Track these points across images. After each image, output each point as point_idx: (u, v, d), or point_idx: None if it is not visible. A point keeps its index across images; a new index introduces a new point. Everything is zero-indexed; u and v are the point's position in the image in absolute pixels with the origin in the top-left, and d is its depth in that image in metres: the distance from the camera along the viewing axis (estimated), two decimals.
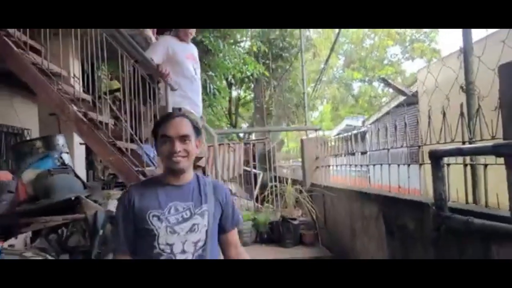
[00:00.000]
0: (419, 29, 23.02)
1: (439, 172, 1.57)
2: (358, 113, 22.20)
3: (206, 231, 1.70)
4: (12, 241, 2.55)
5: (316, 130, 4.43)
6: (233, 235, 1.83)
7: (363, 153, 3.39)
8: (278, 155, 6.91)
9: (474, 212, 1.48)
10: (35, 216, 2.50)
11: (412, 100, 8.45)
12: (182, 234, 1.66)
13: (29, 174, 2.68)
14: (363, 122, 12.58)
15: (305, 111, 6.29)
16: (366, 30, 23.48)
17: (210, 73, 6.64)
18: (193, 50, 3.68)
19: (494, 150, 1.27)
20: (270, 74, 8.44)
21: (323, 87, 26.76)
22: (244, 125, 12.07)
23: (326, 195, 3.56)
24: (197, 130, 1.78)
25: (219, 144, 5.18)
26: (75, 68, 4.03)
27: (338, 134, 12.68)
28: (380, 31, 23.11)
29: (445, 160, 1.60)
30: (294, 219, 3.54)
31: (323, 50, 24.85)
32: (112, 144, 3.08)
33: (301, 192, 3.86)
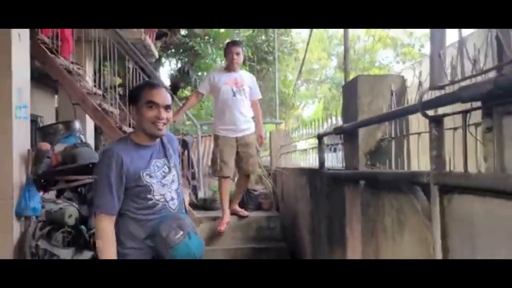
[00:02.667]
0: (411, 34, 23.75)
1: (321, 147, 2.61)
2: None
3: (178, 178, 2.00)
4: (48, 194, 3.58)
5: (278, 123, 5.52)
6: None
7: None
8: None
9: (340, 171, 2.50)
10: (65, 175, 3.53)
11: None
12: (168, 185, 1.92)
13: (59, 147, 3.69)
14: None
15: (276, 109, 7.35)
16: (359, 32, 24.20)
17: (200, 73, 7.68)
18: (237, 76, 4.15)
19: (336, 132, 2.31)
20: (255, 75, 9.46)
21: (315, 86, 27.73)
22: None
23: (283, 174, 4.62)
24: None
25: (203, 136, 6.16)
26: (89, 67, 5.03)
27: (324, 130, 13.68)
28: (373, 33, 23.75)
29: (325, 139, 2.65)
30: (255, 190, 4.60)
31: (315, 51, 25.78)
32: (118, 128, 4.09)
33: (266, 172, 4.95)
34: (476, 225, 1.06)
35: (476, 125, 1.16)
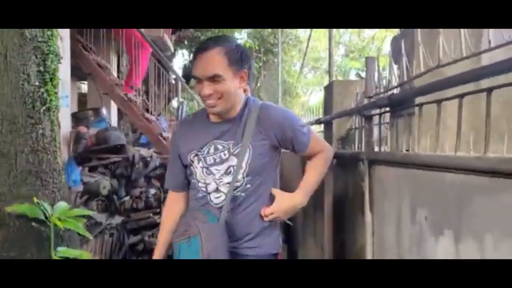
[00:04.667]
0: None
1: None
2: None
3: (244, 172, 1.64)
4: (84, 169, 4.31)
5: None
6: (308, 154, 1.82)
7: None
8: None
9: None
10: (98, 154, 4.25)
11: None
12: (217, 176, 1.66)
13: (93, 130, 4.41)
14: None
15: (279, 99, 8.03)
16: None
17: None
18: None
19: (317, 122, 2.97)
20: (261, 66, 10.16)
21: (321, 74, 28.23)
22: None
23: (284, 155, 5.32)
24: (237, 62, 1.58)
25: None
26: (114, 61, 5.73)
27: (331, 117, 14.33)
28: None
29: (313, 127, 3.33)
30: None
31: (323, 39, 26.13)
32: (142, 115, 4.78)
33: None
34: (385, 182, 1.74)
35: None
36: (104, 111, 5.18)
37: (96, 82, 5.08)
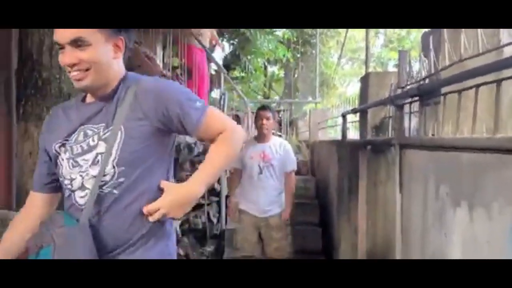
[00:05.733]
0: None
1: (344, 123, 3.49)
2: None
3: (114, 161, 1.29)
4: None
5: (316, 103, 6.39)
6: (205, 135, 1.42)
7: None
8: (300, 122, 8.84)
9: (356, 140, 3.36)
10: None
11: None
12: (84, 168, 1.31)
13: None
14: None
15: (316, 90, 8.19)
16: None
17: (249, 57, 8.64)
18: (267, 148, 3.61)
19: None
20: (299, 58, 10.35)
21: (360, 65, 27.97)
22: (277, 98, 14.01)
23: (317, 145, 5.53)
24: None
25: (252, 112, 7.13)
26: (160, 53, 6.06)
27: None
28: None
29: (351, 118, 3.52)
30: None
31: (361, 31, 25.85)
32: None
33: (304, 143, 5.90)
34: (413, 164, 1.94)
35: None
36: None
37: (145, 73, 5.39)
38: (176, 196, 1.36)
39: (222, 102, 4.72)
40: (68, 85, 2.37)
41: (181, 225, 4.40)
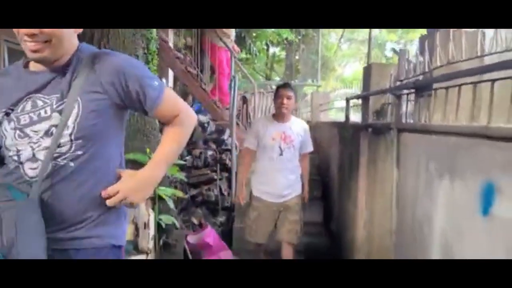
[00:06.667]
0: None
1: (348, 107, 3.90)
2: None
3: (71, 135, 1.26)
4: None
5: (317, 86, 6.78)
6: (161, 115, 1.43)
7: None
8: (300, 103, 9.23)
9: (358, 123, 3.77)
10: None
11: None
12: (35, 139, 1.27)
13: None
14: None
15: (317, 72, 8.57)
16: None
17: (254, 39, 8.98)
18: (287, 128, 3.47)
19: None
20: (300, 39, 10.68)
21: (358, 46, 28.15)
22: (277, 78, 14.37)
23: (320, 126, 5.94)
24: None
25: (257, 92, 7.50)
26: (171, 38, 6.40)
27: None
28: None
29: (352, 102, 3.92)
30: None
31: None
32: (199, 86, 5.46)
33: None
34: (408, 145, 2.35)
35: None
36: (164, 81, 5.86)
37: (159, 57, 5.76)
38: (137, 181, 1.38)
39: (232, 85, 5.07)
40: None
41: (195, 198, 4.84)
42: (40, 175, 1.26)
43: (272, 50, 13.11)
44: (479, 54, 1.65)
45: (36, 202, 1.24)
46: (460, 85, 1.75)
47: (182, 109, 1.46)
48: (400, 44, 28.66)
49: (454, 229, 1.75)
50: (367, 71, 3.42)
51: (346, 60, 28.07)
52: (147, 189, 1.42)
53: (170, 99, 1.44)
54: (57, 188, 1.28)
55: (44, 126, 1.28)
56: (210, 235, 3.25)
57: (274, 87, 10.87)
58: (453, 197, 1.77)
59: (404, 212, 2.38)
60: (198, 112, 5.88)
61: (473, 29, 1.95)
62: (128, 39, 2.73)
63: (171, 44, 6.32)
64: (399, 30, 26.41)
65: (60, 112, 1.28)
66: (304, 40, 11.12)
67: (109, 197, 1.34)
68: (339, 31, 15.79)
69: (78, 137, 1.28)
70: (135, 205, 1.41)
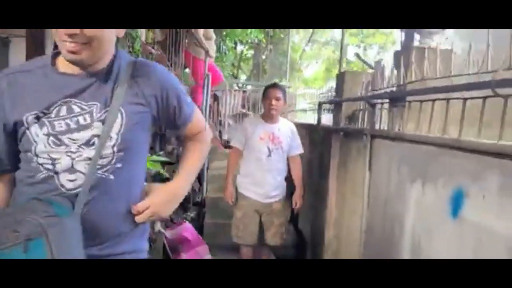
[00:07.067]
0: None
1: (320, 111, 4.08)
2: None
3: (114, 146, 1.22)
4: None
5: (287, 87, 6.96)
6: (188, 132, 1.46)
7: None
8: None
9: (330, 126, 3.95)
10: None
11: None
12: (73, 148, 1.19)
13: None
14: None
15: (287, 73, 8.77)
16: None
17: (223, 38, 9.10)
18: (276, 129, 3.48)
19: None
20: (268, 39, 10.86)
21: (319, 47, 28.65)
22: (244, 77, 14.47)
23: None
24: None
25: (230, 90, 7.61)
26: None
27: (321, 93, 15.25)
28: None
29: (326, 106, 4.11)
30: None
31: None
32: None
33: None
34: (381, 150, 2.54)
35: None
36: None
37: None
38: (164, 196, 1.39)
39: (205, 83, 5.16)
40: None
41: None
42: (84, 188, 1.19)
43: (239, 48, 13.24)
44: (452, 73, 1.84)
45: (79, 218, 1.18)
46: (434, 100, 1.94)
47: (205, 127, 1.52)
48: (360, 47, 29.47)
49: (425, 230, 1.94)
50: (341, 78, 3.61)
51: (307, 62, 28.49)
52: (175, 203, 1.44)
53: (198, 116, 1.49)
54: (94, 203, 1.22)
55: (84, 135, 1.21)
56: (188, 229, 3.34)
57: (240, 85, 10.98)
58: (424, 200, 1.96)
59: (375, 213, 2.57)
60: None
61: (446, 48, 2.15)
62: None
63: (143, 39, 6.33)
64: (360, 35, 27.18)
65: (102, 121, 1.22)
66: (272, 41, 11.31)
67: (139, 213, 1.32)
68: (305, 33, 16.06)
69: (120, 149, 1.24)
70: (163, 220, 1.42)
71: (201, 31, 5.61)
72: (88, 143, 1.21)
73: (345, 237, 3.31)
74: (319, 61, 30.97)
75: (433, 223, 1.87)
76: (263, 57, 12.03)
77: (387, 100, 2.50)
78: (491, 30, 1.58)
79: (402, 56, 2.30)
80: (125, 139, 1.24)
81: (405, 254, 2.10)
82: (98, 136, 1.21)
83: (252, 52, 12.97)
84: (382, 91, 2.54)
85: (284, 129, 3.55)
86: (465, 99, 1.70)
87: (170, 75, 1.41)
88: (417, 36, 2.46)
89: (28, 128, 1.21)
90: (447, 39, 2.54)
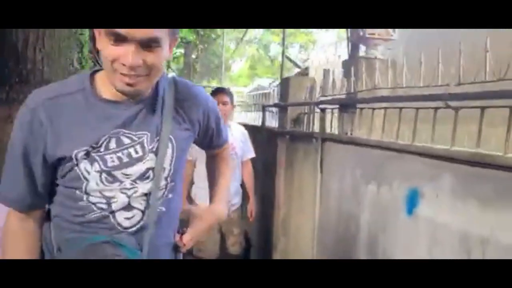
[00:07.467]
0: None
1: (264, 113, 4.22)
2: (273, 73, 24.98)
3: (167, 177, 1.17)
4: None
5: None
6: (223, 151, 1.45)
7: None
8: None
9: (275, 128, 4.10)
10: None
11: (306, 72, 11.38)
12: (127, 184, 1.11)
13: None
14: (270, 84, 15.34)
15: (218, 73, 8.84)
16: None
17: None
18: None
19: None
20: (199, 39, 10.87)
21: (244, 46, 28.97)
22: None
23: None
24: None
25: None
26: None
27: (249, 91, 15.48)
28: None
29: (271, 109, 4.25)
30: None
31: None
32: None
33: None
34: (332, 153, 2.71)
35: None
36: None
37: None
38: (208, 223, 1.35)
39: None
40: (49, 75, 2.72)
41: None
42: (149, 225, 1.15)
43: None
44: (404, 85, 2.03)
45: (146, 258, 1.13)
46: (386, 108, 2.13)
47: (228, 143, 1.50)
48: (282, 46, 30.34)
49: (381, 226, 2.13)
50: (286, 82, 3.76)
51: (232, 59, 28.73)
52: (215, 226, 1.42)
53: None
54: (153, 238, 1.17)
55: (138, 169, 1.13)
56: None
57: None
58: (380, 199, 2.15)
59: (328, 211, 2.74)
60: None
61: (393, 60, 2.36)
62: (63, 42, 2.72)
63: None
64: (281, 34, 27.89)
65: (155, 152, 1.14)
66: (202, 40, 11.33)
67: (184, 246, 1.27)
68: (237, 32, 16.10)
69: (172, 179, 1.19)
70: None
71: None
72: (142, 177, 1.14)
73: (294, 236, 3.47)
74: (243, 59, 31.37)
75: (389, 220, 2.06)
76: (193, 56, 12.04)
77: (337, 106, 2.67)
78: (441, 46, 1.79)
79: (352, 67, 2.48)
80: (175, 168, 1.20)
81: (362, 248, 2.28)
82: (152, 168, 1.14)
83: (182, 51, 12.88)
84: (331, 97, 2.72)
85: (236, 134, 3.52)
86: (417, 109, 1.90)
87: (209, 97, 1.37)
88: (362, 47, 2.67)
89: (77, 165, 1.09)
90: (389, 50, 2.77)
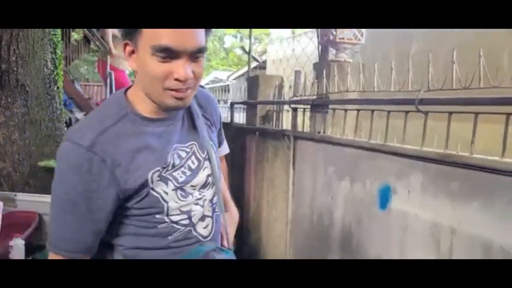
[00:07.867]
0: None
1: (232, 109, 4.31)
2: (229, 65, 24.95)
3: (215, 174, 1.20)
4: None
5: None
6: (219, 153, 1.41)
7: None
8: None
9: (244, 125, 4.20)
10: None
11: (263, 66, 11.46)
12: (197, 195, 1.14)
13: None
14: (228, 76, 15.34)
15: None
16: None
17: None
18: None
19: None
20: None
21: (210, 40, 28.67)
22: (130, 69, 13.97)
23: None
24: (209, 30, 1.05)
25: None
26: None
27: (206, 84, 15.39)
28: None
29: (236, 106, 4.35)
30: None
31: None
32: (72, 82, 5.29)
33: None
34: (304, 151, 2.85)
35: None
36: None
37: None
38: (234, 224, 1.48)
39: (108, 81, 5.07)
40: (23, 77, 2.70)
41: None
42: (218, 230, 1.24)
43: None
44: (375, 88, 2.19)
45: None
46: (358, 110, 2.29)
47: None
48: (237, 38, 30.35)
49: (355, 219, 2.29)
50: (255, 80, 3.87)
51: None
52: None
53: None
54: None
55: (200, 179, 1.16)
56: None
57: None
58: (353, 196, 2.31)
59: (301, 205, 2.89)
60: (65, 104, 5.67)
61: (362, 63, 2.51)
62: (37, 43, 2.70)
63: None
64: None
65: (207, 158, 1.19)
66: None
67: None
68: None
69: (216, 181, 1.23)
70: None
71: (110, 30, 5.48)
72: (205, 185, 1.18)
73: (266, 231, 3.60)
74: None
75: (363, 214, 2.22)
76: None
77: (309, 106, 2.81)
78: (411, 54, 1.95)
79: (324, 69, 2.61)
80: (218, 171, 1.24)
81: (336, 240, 2.44)
82: (210, 175, 1.19)
83: None
84: (304, 97, 2.85)
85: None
86: (388, 112, 2.06)
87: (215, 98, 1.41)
88: (332, 50, 2.81)
89: (152, 189, 1.06)
90: (356, 53, 2.93)
